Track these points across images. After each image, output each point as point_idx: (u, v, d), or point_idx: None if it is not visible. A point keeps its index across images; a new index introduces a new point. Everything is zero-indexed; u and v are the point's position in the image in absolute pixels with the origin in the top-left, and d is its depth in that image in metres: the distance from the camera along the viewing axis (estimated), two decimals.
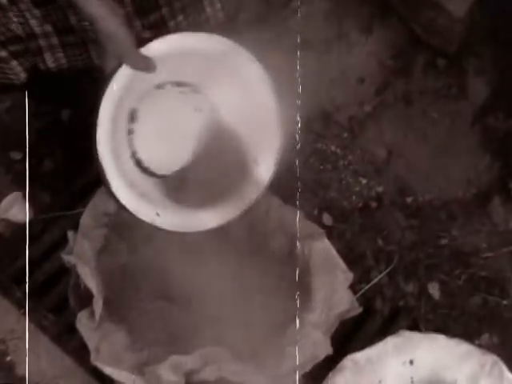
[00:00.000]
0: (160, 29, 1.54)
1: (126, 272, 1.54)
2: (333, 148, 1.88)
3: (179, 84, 1.44)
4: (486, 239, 1.80)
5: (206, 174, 1.50)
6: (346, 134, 1.89)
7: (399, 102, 1.93)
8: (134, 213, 1.37)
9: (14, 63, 1.55)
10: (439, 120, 1.91)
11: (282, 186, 1.80)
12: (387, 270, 1.74)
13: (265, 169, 1.47)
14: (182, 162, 1.49)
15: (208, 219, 1.44)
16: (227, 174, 1.49)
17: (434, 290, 1.74)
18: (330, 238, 1.70)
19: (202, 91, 1.47)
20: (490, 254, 1.78)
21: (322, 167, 1.87)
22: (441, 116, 1.91)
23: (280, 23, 1.99)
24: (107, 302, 1.45)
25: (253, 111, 1.45)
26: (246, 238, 1.58)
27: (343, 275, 1.50)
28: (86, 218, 1.52)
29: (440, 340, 1.44)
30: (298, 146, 1.86)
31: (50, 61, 1.56)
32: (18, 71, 1.57)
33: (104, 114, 1.29)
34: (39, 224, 1.81)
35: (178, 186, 1.49)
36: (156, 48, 1.32)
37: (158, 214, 1.40)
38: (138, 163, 1.42)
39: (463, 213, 1.82)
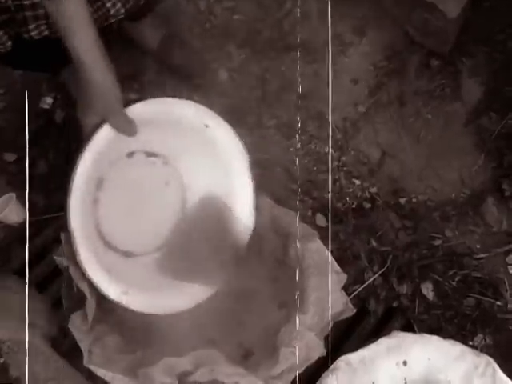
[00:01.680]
0: None
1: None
2: (326, 149, 1.88)
3: (150, 154, 1.42)
4: (480, 240, 1.80)
5: (176, 253, 1.48)
6: (339, 135, 1.89)
7: (393, 102, 1.92)
8: (101, 288, 1.33)
9: (1, 33, 1.53)
10: (433, 121, 1.91)
11: (276, 187, 1.82)
12: (381, 271, 1.74)
13: (234, 252, 1.46)
14: (149, 239, 1.46)
15: (177, 301, 1.42)
16: (197, 254, 1.48)
17: (427, 290, 1.73)
18: (323, 239, 1.70)
19: (172, 163, 1.46)
20: (483, 255, 1.78)
21: (315, 168, 1.86)
22: (434, 117, 1.91)
23: (275, 24, 1.99)
24: (100, 304, 1.45)
25: (226, 187, 1.44)
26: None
27: (336, 276, 1.49)
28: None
29: (433, 341, 1.44)
30: (299, 146, 1.88)
31: (33, 31, 1.53)
32: (4, 40, 1.55)
33: (77, 180, 1.27)
34: (33, 225, 1.81)
35: (147, 265, 1.47)
36: (138, 111, 1.31)
37: (125, 293, 1.35)
38: (101, 236, 1.38)
39: (457, 214, 1.82)
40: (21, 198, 1.81)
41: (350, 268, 1.73)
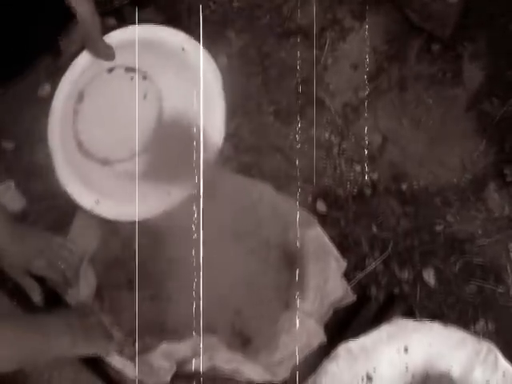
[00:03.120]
0: None
1: (118, 263, 1.54)
2: (327, 135, 1.87)
3: (129, 69, 1.49)
4: (482, 226, 1.79)
5: (152, 162, 1.55)
6: (340, 121, 1.88)
7: (394, 88, 1.90)
8: (75, 197, 1.42)
9: None
10: (434, 106, 1.89)
11: (276, 174, 1.81)
12: (382, 258, 1.73)
13: (206, 158, 1.50)
14: (125, 147, 1.54)
15: (143, 208, 1.48)
16: (171, 163, 1.52)
17: (429, 277, 1.73)
18: (324, 225, 1.69)
19: (150, 78, 1.52)
20: (485, 241, 1.76)
21: (315, 154, 1.86)
22: (435, 102, 1.89)
23: (273, 9, 1.97)
24: (99, 292, 1.46)
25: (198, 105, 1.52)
26: (238, 225, 1.58)
27: (336, 263, 1.49)
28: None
29: (434, 328, 1.43)
30: (298, 136, 1.87)
31: None
32: None
33: (58, 97, 1.36)
34: (33, 213, 1.81)
35: (120, 173, 1.51)
36: (117, 37, 1.39)
37: (97, 202, 1.42)
38: (79, 145, 1.44)
39: (458, 199, 1.81)
40: (19, 186, 1.80)
41: (351, 255, 1.73)
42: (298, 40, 1.90)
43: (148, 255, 1.51)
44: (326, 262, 1.48)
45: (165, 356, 1.35)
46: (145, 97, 1.53)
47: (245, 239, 1.56)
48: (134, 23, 1.57)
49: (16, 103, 1.90)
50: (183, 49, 1.46)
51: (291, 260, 1.50)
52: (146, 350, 1.37)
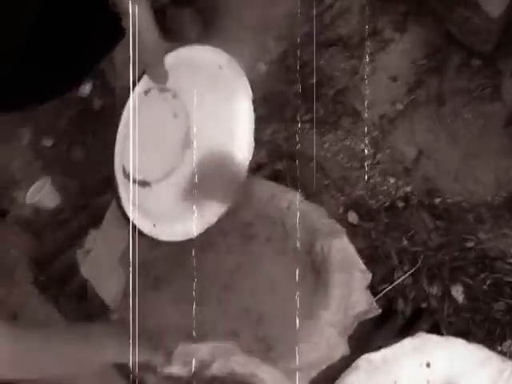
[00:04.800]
0: None
1: (146, 265, 1.55)
2: (362, 146, 1.86)
3: (163, 90, 1.52)
4: None
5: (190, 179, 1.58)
6: (376, 133, 1.87)
7: (432, 101, 1.89)
8: (138, 225, 1.42)
9: None
10: (472, 121, 1.87)
11: (308, 183, 1.81)
12: (411, 271, 1.72)
13: (237, 175, 1.55)
14: (159, 167, 1.57)
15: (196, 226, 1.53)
16: (206, 178, 1.56)
17: (457, 293, 1.71)
18: (354, 236, 1.70)
19: (180, 97, 1.56)
20: None
21: (349, 165, 1.85)
22: (473, 117, 1.87)
23: (316, 19, 1.97)
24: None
25: (229, 121, 1.58)
26: (267, 232, 1.59)
27: (361, 275, 1.49)
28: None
29: (458, 344, 1.42)
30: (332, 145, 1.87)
31: None
32: None
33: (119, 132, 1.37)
34: (66, 211, 1.84)
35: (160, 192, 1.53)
36: (169, 60, 1.42)
37: (154, 225, 1.43)
38: (124, 168, 1.44)
39: (491, 216, 1.78)
40: (55, 183, 1.83)
41: (380, 267, 1.71)
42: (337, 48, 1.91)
43: (174, 258, 1.53)
44: (351, 273, 1.47)
45: (183, 356, 1.36)
46: (175, 116, 1.56)
47: (272, 246, 1.57)
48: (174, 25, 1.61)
49: (57, 102, 1.94)
50: (220, 67, 1.51)
51: (317, 269, 1.50)
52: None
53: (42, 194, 1.83)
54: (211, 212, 1.55)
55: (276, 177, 1.79)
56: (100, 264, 1.50)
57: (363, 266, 1.49)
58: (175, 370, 1.36)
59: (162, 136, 1.54)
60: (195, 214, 1.51)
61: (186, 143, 1.59)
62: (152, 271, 1.53)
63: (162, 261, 1.54)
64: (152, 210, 1.47)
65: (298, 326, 1.41)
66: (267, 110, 1.86)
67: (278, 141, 1.85)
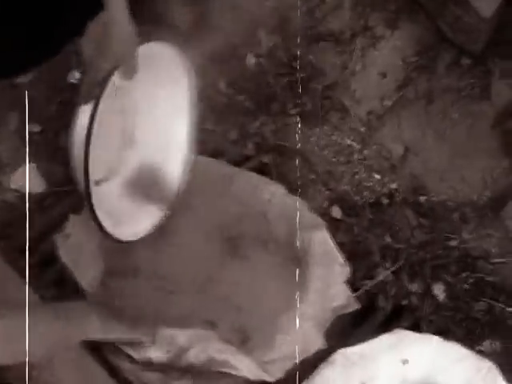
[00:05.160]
0: None
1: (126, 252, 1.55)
2: (349, 141, 1.86)
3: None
4: (497, 244, 1.76)
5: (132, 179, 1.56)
6: (363, 129, 1.87)
7: (420, 99, 1.89)
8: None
9: None
10: (460, 120, 1.87)
11: (294, 176, 1.80)
12: (393, 268, 1.72)
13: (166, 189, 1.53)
14: (103, 167, 1.52)
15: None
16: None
17: (439, 291, 1.70)
18: (337, 231, 1.70)
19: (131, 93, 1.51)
20: (499, 260, 1.74)
21: (335, 160, 1.85)
22: (461, 116, 1.87)
23: (307, 13, 1.97)
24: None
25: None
26: (247, 223, 1.59)
27: (340, 269, 1.49)
28: None
29: (435, 342, 1.42)
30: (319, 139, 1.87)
31: None
32: None
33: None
34: (51, 196, 1.83)
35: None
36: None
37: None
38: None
39: (476, 216, 1.78)
40: (41, 169, 1.82)
41: (362, 263, 1.71)
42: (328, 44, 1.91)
43: (153, 245, 1.52)
44: (329, 266, 1.47)
45: (163, 341, 1.36)
46: (122, 112, 1.53)
47: (252, 237, 1.56)
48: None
49: (46, 88, 1.93)
50: (169, 67, 1.49)
51: (296, 261, 1.50)
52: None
53: (26, 180, 1.83)
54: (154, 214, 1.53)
55: (262, 169, 1.78)
56: (78, 248, 1.50)
57: (342, 260, 1.49)
58: (155, 353, 1.36)
59: (108, 132, 1.49)
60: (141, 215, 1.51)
61: (129, 143, 1.57)
62: (131, 258, 1.53)
63: (142, 249, 1.54)
64: (108, 210, 1.45)
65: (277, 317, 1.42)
66: (255, 102, 1.85)
67: (265, 134, 1.85)
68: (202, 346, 1.35)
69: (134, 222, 1.49)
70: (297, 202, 1.54)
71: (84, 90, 1.31)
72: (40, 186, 1.84)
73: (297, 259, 1.48)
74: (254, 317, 1.47)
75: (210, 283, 1.52)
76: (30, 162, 1.84)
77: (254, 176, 1.63)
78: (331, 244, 1.50)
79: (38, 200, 1.80)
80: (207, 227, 1.57)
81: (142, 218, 1.51)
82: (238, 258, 1.55)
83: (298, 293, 1.42)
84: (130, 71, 1.34)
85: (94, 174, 1.39)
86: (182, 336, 1.36)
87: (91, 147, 1.28)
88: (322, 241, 1.49)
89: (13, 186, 1.85)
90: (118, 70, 1.30)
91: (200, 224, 1.57)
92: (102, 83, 1.28)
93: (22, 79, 1.91)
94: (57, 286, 1.59)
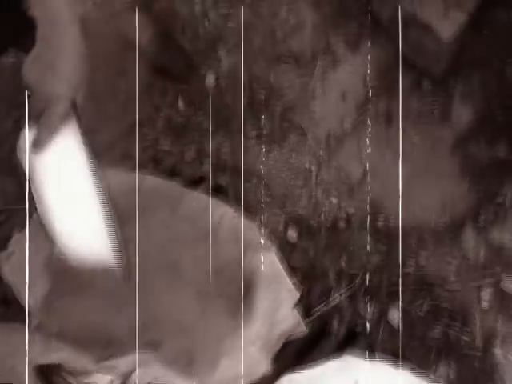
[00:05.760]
0: None
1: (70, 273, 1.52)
2: (307, 164, 1.84)
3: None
4: (455, 271, 1.73)
5: None
6: (321, 151, 1.85)
7: (380, 121, 1.87)
8: None
9: None
10: (419, 143, 1.85)
11: (250, 198, 1.78)
12: (347, 293, 1.69)
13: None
14: None
15: None
16: None
17: (393, 317, 1.68)
18: (292, 254, 1.68)
19: None
20: (456, 287, 1.71)
21: (292, 182, 1.82)
22: (422, 138, 1.85)
23: (267, 33, 1.96)
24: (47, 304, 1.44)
25: None
26: (197, 245, 1.56)
27: (288, 293, 1.45)
28: None
29: (385, 368, 1.39)
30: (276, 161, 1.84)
31: None
32: None
33: None
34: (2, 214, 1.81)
35: None
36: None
37: None
38: None
39: (434, 241, 1.76)
40: None
41: (316, 286, 1.69)
42: (288, 65, 1.89)
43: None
44: (277, 290, 1.43)
45: (106, 371, 1.33)
46: None
47: (202, 259, 1.53)
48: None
49: (3, 104, 1.91)
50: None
51: (245, 283, 1.46)
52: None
53: None
54: None
55: (218, 191, 1.76)
56: (22, 267, 1.46)
57: (291, 285, 1.46)
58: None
59: None
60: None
61: None
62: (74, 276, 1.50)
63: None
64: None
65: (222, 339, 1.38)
66: (213, 122, 1.83)
67: (222, 155, 1.83)
68: (143, 370, 1.32)
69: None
70: (242, 224, 1.51)
71: (31, 112, 1.25)
72: None
73: (245, 281, 1.45)
74: (198, 338, 1.44)
75: (155, 302, 1.48)
76: None
77: (203, 197, 1.59)
78: (279, 267, 1.46)
79: None
80: (155, 246, 1.54)
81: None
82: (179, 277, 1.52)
83: (242, 315, 1.39)
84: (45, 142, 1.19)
85: None
86: (123, 363, 1.33)
87: None
88: (270, 264, 1.46)
89: None
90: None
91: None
92: None
93: None
94: (3, 305, 1.57)
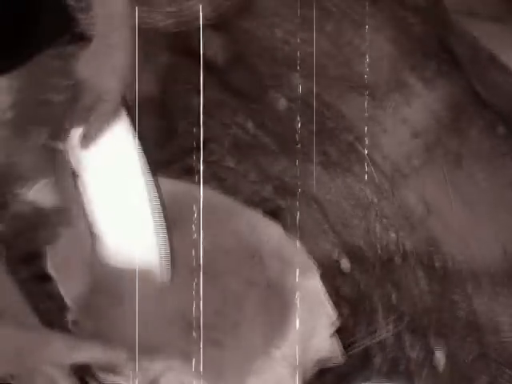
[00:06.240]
0: None
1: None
2: (370, 195, 1.81)
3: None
4: (510, 322, 1.68)
5: None
6: (387, 185, 1.82)
7: (449, 162, 1.84)
8: None
9: None
10: (487, 188, 1.81)
11: (307, 222, 1.77)
12: (394, 330, 1.65)
13: None
14: None
15: None
16: None
17: (439, 360, 1.63)
18: (344, 283, 1.65)
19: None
20: (509, 338, 1.65)
21: (352, 212, 1.80)
22: (489, 184, 1.81)
23: (345, 63, 1.95)
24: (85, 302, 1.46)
25: None
26: (243, 261, 1.55)
27: (327, 320, 1.43)
28: None
29: None
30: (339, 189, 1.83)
31: None
32: None
33: None
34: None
35: None
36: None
37: None
38: None
39: (491, 287, 1.71)
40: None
41: (364, 319, 1.66)
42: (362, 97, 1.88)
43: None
44: (316, 315, 1.42)
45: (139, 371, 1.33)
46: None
47: (244, 272, 1.53)
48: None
49: None
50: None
51: (284, 304, 1.45)
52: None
53: (42, 193, 1.85)
54: None
55: (277, 213, 1.75)
56: (67, 264, 1.49)
57: (331, 311, 1.44)
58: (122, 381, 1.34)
59: None
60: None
61: None
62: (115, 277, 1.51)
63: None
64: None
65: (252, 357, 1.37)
66: (281, 145, 1.83)
67: (285, 178, 1.82)
68: (173, 376, 1.32)
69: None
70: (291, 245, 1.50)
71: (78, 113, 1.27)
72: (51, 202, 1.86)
73: (284, 302, 1.44)
74: (231, 353, 1.43)
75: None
76: (47, 177, 1.87)
77: (255, 215, 1.59)
78: (322, 293, 1.45)
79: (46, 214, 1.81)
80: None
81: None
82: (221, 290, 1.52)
83: (277, 336, 1.37)
84: (92, 139, 1.23)
85: None
86: (156, 364, 1.33)
87: None
88: (313, 288, 1.44)
89: (29, 199, 1.87)
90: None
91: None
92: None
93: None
94: (49, 300, 1.60)
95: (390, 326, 1.66)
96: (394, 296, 1.69)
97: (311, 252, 1.67)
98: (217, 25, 1.89)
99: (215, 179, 1.81)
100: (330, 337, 1.44)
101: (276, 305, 1.47)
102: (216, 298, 1.49)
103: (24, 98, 1.76)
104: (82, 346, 1.30)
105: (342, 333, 1.62)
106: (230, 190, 1.80)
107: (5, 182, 1.81)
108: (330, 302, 1.46)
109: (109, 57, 1.17)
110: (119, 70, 1.17)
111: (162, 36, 1.84)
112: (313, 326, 1.41)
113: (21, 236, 1.78)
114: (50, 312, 1.54)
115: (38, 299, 1.61)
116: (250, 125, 1.89)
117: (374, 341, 1.63)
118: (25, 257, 1.70)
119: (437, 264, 1.74)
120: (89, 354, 1.31)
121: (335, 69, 1.94)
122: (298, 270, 1.45)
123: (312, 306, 1.43)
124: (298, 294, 1.42)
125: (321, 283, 1.47)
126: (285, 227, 1.68)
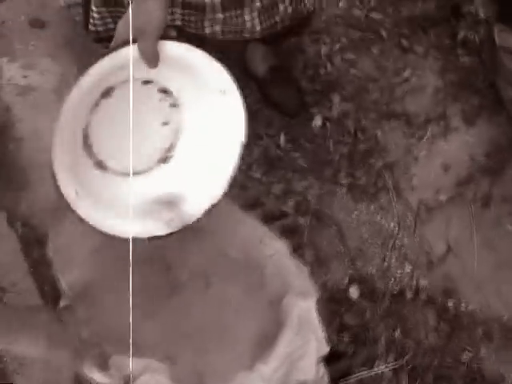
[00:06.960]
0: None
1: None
2: (392, 225, 1.77)
3: (162, 90, 1.37)
4: None
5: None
6: (410, 217, 1.78)
7: (477, 201, 1.79)
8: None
9: None
10: None
11: (323, 244, 1.74)
12: (394, 365, 1.61)
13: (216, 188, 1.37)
14: (127, 163, 1.36)
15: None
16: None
17: None
18: (348, 311, 1.62)
19: (179, 109, 1.40)
20: None
21: (371, 240, 1.77)
22: None
23: (386, 88, 1.92)
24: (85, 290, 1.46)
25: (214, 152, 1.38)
26: (244, 272, 1.54)
27: (317, 344, 1.39)
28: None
29: None
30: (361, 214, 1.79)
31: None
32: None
33: (81, 85, 1.24)
34: None
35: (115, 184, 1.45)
36: (171, 49, 1.28)
37: (77, 193, 1.33)
38: (85, 137, 1.37)
39: (500, 338, 1.65)
40: None
41: (364, 349, 1.62)
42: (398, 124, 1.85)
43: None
44: (306, 338, 1.38)
45: (115, 368, 1.33)
46: (165, 124, 1.41)
47: (244, 288, 1.51)
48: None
49: None
50: (223, 92, 1.34)
51: (278, 323, 1.42)
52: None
53: None
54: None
55: (295, 230, 1.73)
56: (67, 249, 1.49)
57: (322, 336, 1.40)
58: (102, 378, 1.33)
59: (143, 136, 1.46)
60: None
61: (164, 155, 1.53)
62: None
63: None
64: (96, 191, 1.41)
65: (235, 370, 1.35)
66: (310, 162, 1.81)
67: (308, 196, 1.80)
68: (149, 376, 1.31)
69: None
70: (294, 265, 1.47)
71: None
72: None
73: (277, 320, 1.41)
74: (215, 363, 1.41)
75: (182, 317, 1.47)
76: None
77: (263, 229, 1.57)
78: (314, 317, 1.41)
79: None
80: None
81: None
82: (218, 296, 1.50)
83: (265, 352, 1.35)
84: (150, 54, 1.26)
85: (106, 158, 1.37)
86: (135, 364, 1.32)
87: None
88: (306, 310, 1.41)
89: None
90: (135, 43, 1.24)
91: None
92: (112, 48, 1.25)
93: None
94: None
95: (390, 360, 1.62)
96: (398, 330, 1.64)
97: (320, 274, 1.66)
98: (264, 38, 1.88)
99: (238, 187, 1.79)
100: (318, 362, 1.41)
101: (269, 321, 1.45)
102: (211, 303, 1.49)
103: None
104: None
105: (339, 360, 1.59)
106: (251, 200, 1.79)
107: None
108: (323, 327, 1.43)
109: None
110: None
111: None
112: (301, 348, 1.39)
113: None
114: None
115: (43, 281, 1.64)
116: (282, 138, 1.87)
117: (371, 373, 1.59)
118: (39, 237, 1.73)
119: (450, 304, 1.69)
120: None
121: (375, 92, 1.92)
122: (295, 291, 1.44)
123: (303, 328, 1.40)
124: (292, 314, 1.40)
125: (316, 308, 1.44)
126: (300, 244, 1.67)
